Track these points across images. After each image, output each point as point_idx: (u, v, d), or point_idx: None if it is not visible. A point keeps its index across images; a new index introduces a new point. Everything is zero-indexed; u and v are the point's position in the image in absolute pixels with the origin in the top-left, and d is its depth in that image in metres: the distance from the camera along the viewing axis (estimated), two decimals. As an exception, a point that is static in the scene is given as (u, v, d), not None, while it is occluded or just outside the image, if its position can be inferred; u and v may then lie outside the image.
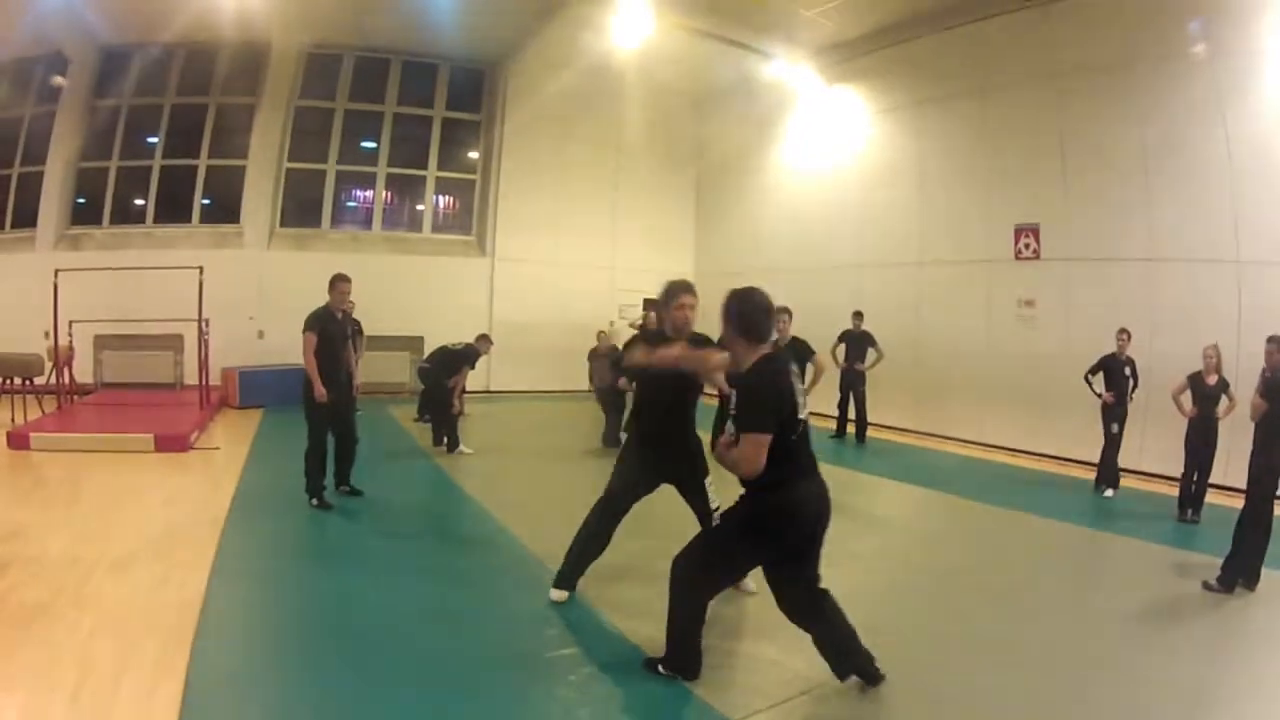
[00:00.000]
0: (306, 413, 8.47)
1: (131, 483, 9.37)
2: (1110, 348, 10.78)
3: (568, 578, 5.92)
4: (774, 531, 4.34)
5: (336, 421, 8.65)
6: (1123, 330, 10.59)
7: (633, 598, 5.93)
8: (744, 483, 4.38)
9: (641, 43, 16.34)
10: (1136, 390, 10.59)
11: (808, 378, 9.86)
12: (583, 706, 4.42)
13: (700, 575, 4.56)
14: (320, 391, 8.26)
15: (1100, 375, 10.70)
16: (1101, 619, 6.16)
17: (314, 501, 8.52)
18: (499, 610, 5.82)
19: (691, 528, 5.54)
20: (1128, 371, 10.57)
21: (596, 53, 17.31)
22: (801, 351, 9.98)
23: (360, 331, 8.81)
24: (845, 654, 4.66)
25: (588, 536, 5.87)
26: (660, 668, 4.67)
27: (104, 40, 17.32)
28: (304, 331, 8.36)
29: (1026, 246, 13.70)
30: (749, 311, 4.41)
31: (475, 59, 19.77)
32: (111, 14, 16.11)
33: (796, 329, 10.38)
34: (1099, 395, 10.69)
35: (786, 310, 10.11)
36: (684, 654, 4.64)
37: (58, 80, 17.37)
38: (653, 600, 5.35)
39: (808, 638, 4.70)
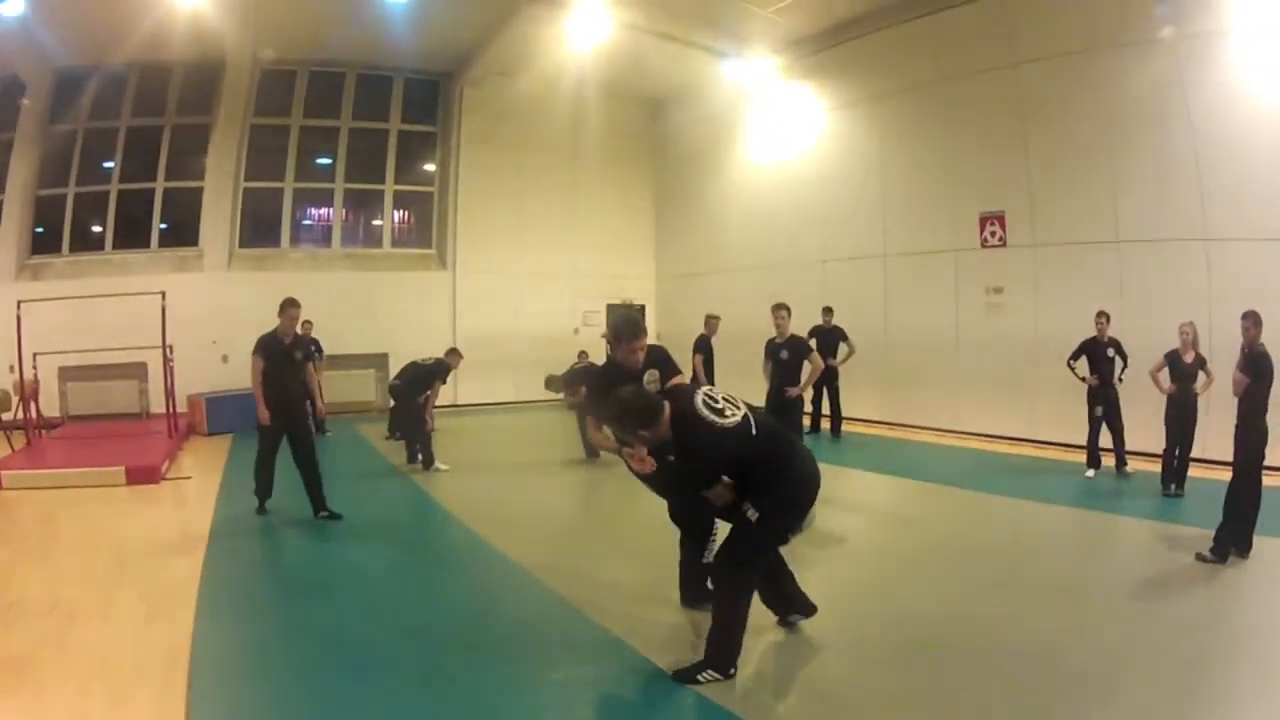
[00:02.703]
0: (258, 431, 8.92)
1: (106, 518, 9.15)
2: (1082, 331, 10.86)
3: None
4: (795, 501, 4.74)
5: (292, 447, 8.86)
6: (1101, 313, 10.62)
7: (639, 612, 5.84)
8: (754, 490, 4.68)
9: (596, 46, 16.29)
10: (1126, 370, 10.58)
11: (803, 374, 9.85)
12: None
13: (748, 556, 4.73)
14: (263, 415, 8.69)
15: (1083, 360, 10.71)
16: (1101, 595, 6.26)
17: (257, 506, 9.03)
18: (501, 629, 5.71)
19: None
20: (1111, 353, 10.57)
21: (551, 58, 17.24)
22: (798, 348, 9.95)
23: (310, 355, 9.04)
24: (793, 599, 5.28)
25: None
26: (701, 676, 4.61)
27: (58, 64, 16.98)
28: (252, 354, 8.77)
29: (993, 234, 13.75)
30: (636, 403, 4.71)
31: (429, 70, 19.62)
32: (65, 36, 15.80)
33: (763, 327, 10.39)
34: (1083, 380, 10.71)
35: (785, 306, 10.09)
36: (729, 650, 4.66)
37: (25, 103, 16.99)
38: (663, 616, 5.48)
39: (820, 639, 4.99)
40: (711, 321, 13.12)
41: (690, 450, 4.63)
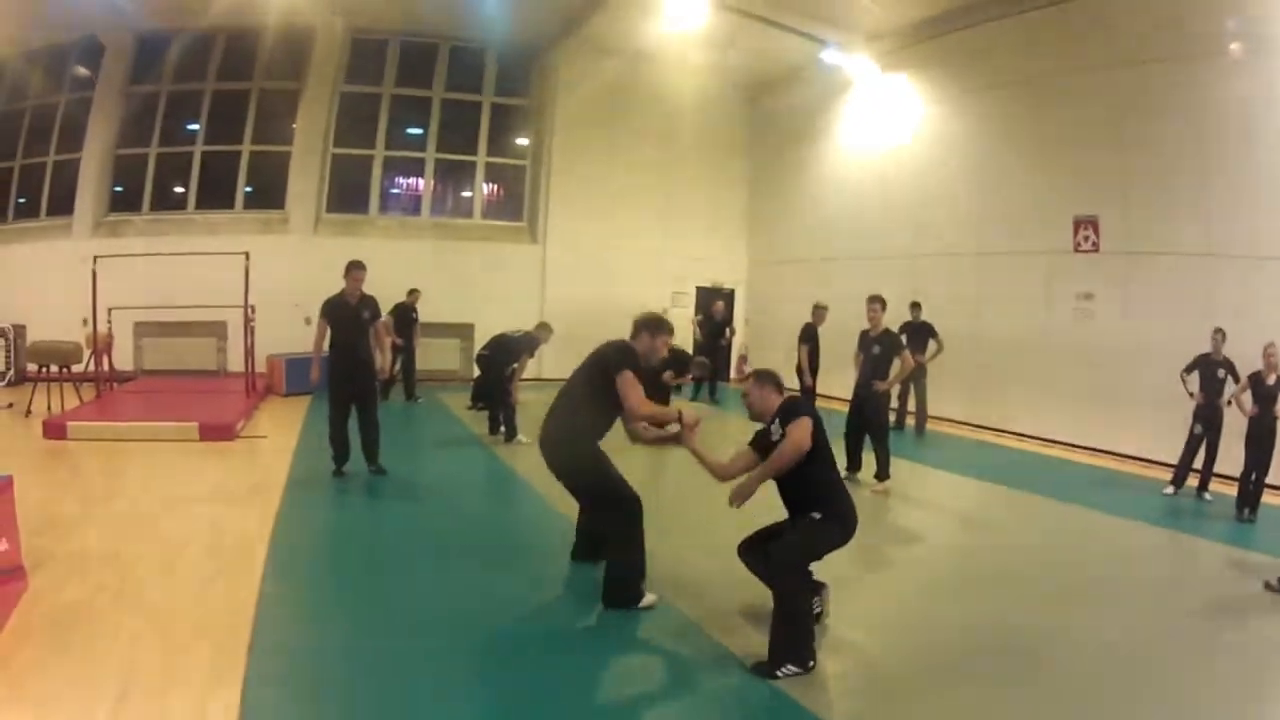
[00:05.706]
0: (328, 394, 9.18)
1: (174, 474, 9.28)
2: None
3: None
4: (845, 521, 5.00)
5: (357, 406, 9.09)
6: (1218, 330, 10.04)
7: (715, 597, 5.80)
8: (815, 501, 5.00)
9: (694, 27, 16.05)
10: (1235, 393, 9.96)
11: (892, 371, 9.54)
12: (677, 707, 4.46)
13: (805, 561, 4.99)
14: (314, 374, 9.06)
15: (1195, 375, 10.19)
16: (1167, 616, 6.18)
17: (334, 470, 9.16)
18: (575, 610, 5.73)
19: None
20: (1222, 373, 10.00)
21: (649, 37, 17.06)
22: (891, 343, 9.72)
23: (377, 315, 9.32)
24: None
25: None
26: (780, 671, 4.61)
27: (140, 26, 17.32)
28: (318, 317, 9.05)
29: (1086, 239, 13.28)
30: (772, 372, 5.36)
31: (524, 43, 19.47)
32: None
33: (851, 318, 10.05)
34: (1191, 395, 10.19)
35: (880, 299, 9.78)
36: (805, 643, 4.74)
37: (81, 72, 17.45)
38: (737, 602, 5.54)
39: (887, 639, 5.36)
40: (819, 311, 12.84)
41: (792, 409, 5.04)
